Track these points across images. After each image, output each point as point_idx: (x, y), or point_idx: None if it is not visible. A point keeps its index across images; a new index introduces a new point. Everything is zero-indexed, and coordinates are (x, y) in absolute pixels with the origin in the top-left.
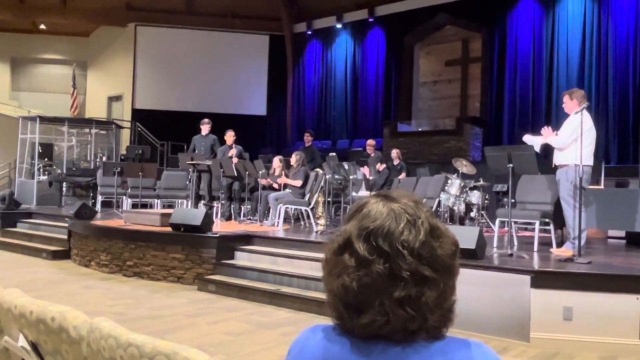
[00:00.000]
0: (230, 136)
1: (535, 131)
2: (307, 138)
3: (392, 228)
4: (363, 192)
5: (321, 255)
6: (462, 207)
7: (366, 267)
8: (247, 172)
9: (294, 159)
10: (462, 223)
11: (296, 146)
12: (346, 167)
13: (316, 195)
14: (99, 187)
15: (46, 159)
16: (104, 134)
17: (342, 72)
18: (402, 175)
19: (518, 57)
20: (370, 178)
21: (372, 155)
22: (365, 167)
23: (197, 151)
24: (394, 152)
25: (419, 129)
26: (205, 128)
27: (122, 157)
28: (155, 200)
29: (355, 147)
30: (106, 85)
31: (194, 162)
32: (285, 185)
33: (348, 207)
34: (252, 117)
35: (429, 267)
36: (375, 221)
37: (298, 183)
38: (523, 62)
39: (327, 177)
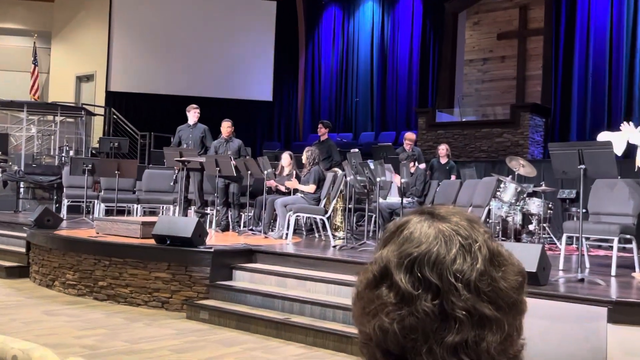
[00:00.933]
0: (226, 127)
1: (613, 127)
2: (322, 130)
3: (441, 255)
4: (393, 198)
5: (340, 276)
6: (519, 218)
7: (410, 305)
8: (249, 172)
9: (305, 157)
10: (518, 239)
11: (309, 140)
12: (371, 166)
13: (334, 201)
14: (64, 189)
15: (0, 153)
16: (72, 123)
17: (367, 47)
18: (453, 178)
19: (591, 29)
20: (402, 181)
21: (410, 152)
22: (396, 174)
23: (183, 144)
24: (443, 148)
25: (464, 119)
26: (192, 115)
27: (94, 152)
28: (135, 206)
29: (382, 142)
30: (74, 62)
31: (183, 159)
32: (296, 189)
33: (373, 216)
34: (255, 104)
35: (489, 303)
36: (420, 246)
37: (311, 188)
38: (598, 36)
39: (348, 178)
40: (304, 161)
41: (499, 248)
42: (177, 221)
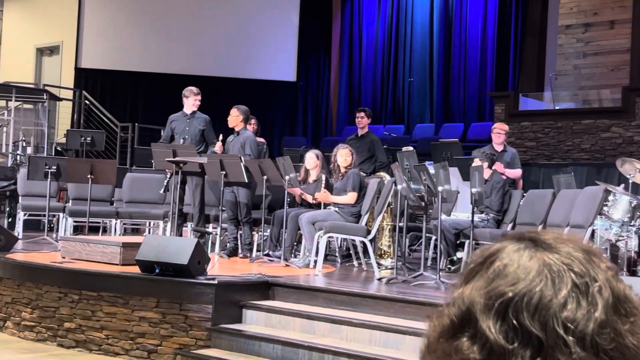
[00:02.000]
0: (236, 117)
1: None
2: (363, 121)
3: (546, 297)
4: (461, 214)
5: (388, 320)
6: (634, 242)
7: None
8: (265, 177)
9: (339, 157)
10: (633, 271)
11: (345, 134)
12: (431, 170)
13: (379, 217)
14: (20, 198)
15: None
16: (30, 110)
17: (426, 9)
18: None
19: None
20: (474, 190)
21: (500, 150)
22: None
23: (176, 140)
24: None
25: (557, 107)
26: (191, 102)
27: (60, 149)
28: (113, 221)
29: (445, 137)
30: (34, 30)
31: (177, 159)
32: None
33: (433, 238)
34: (273, 86)
35: None
36: (517, 284)
37: (350, 197)
38: None
39: (399, 187)
40: (336, 163)
41: (626, 291)
42: (168, 243)
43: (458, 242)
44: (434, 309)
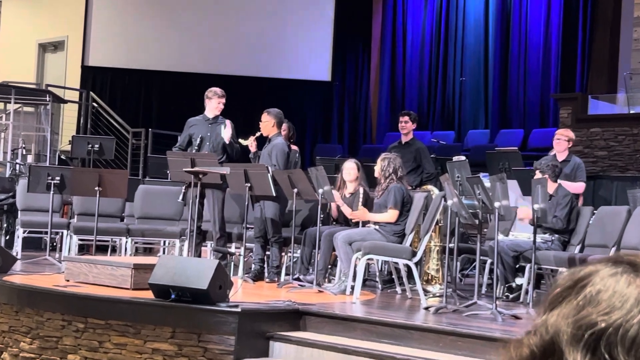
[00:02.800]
0: (267, 122)
1: None
2: (408, 125)
3: None
4: (521, 234)
5: (437, 355)
6: None
7: None
8: (296, 190)
9: (380, 168)
10: None
11: (387, 142)
12: (487, 183)
13: (427, 237)
14: (19, 213)
15: None
16: (31, 113)
17: (480, 2)
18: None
19: None
20: (536, 207)
21: (562, 160)
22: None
23: (194, 147)
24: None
25: (632, 111)
26: (214, 105)
27: (64, 157)
28: (124, 240)
29: (502, 145)
30: (36, 23)
31: (196, 169)
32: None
33: (488, 262)
34: (305, 86)
35: None
36: (612, 313)
37: (391, 215)
38: None
39: (449, 202)
40: (377, 174)
41: None
42: (186, 265)
43: (517, 266)
44: (504, 341)
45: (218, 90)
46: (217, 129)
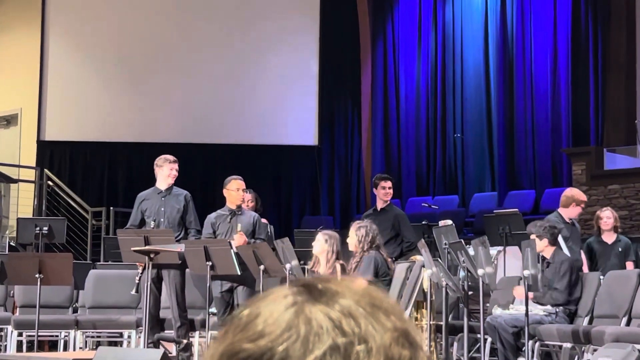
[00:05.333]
0: (236, 191)
1: None
2: (390, 191)
3: (291, 358)
4: (522, 307)
5: None
6: None
7: None
8: (262, 267)
9: (355, 239)
10: None
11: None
12: (471, 251)
13: (407, 311)
14: None
15: None
16: None
17: (479, 49)
18: (630, 266)
19: None
20: (526, 273)
21: (567, 224)
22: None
23: (147, 224)
24: (607, 216)
25: None
26: (165, 172)
27: (13, 244)
28: (73, 333)
29: (510, 206)
30: None
31: (147, 248)
32: None
33: (488, 340)
34: (289, 152)
35: None
36: (259, 339)
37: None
38: None
39: (427, 272)
40: (352, 247)
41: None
42: (127, 356)
43: (519, 343)
44: None
45: (169, 156)
46: (172, 200)
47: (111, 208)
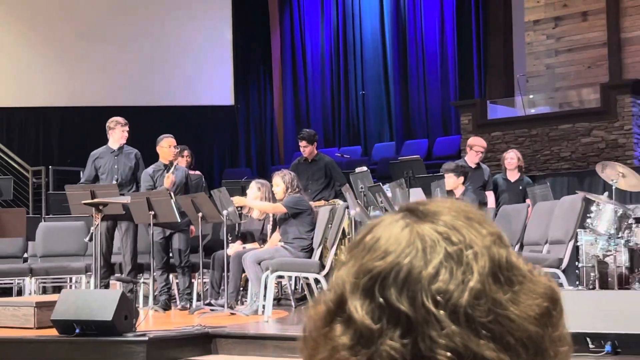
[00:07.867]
0: (168, 147)
1: None
2: (306, 149)
3: (416, 269)
4: None
5: None
6: (624, 257)
7: (369, 346)
8: (200, 215)
9: (283, 186)
10: (626, 289)
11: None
12: (388, 192)
13: (333, 249)
14: None
15: None
16: None
17: (375, 15)
18: (528, 202)
19: None
20: None
21: (474, 167)
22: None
23: (101, 179)
24: (512, 157)
25: (530, 112)
26: (117, 134)
27: None
28: (27, 280)
29: (407, 154)
30: None
31: (96, 200)
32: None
33: None
34: (208, 112)
35: (491, 340)
36: (386, 257)
37: (272, 208)
38: None
39: (351, 212)
40: (280, 195)
41: (510, 258)
42: (89, 297)
43: None
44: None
45: (120, 118)
46: (124, 159)
47: (50, 167)
